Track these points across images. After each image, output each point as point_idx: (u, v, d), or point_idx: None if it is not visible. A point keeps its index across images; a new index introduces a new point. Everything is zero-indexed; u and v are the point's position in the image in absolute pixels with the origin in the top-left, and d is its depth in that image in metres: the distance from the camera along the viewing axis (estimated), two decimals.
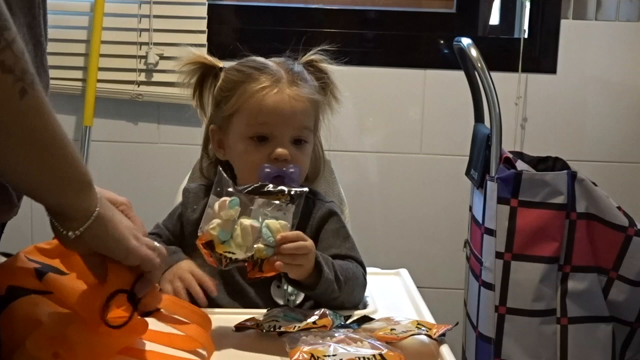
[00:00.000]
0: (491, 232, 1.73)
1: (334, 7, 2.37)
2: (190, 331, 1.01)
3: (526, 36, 2.28)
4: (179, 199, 1.40)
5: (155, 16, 2.24)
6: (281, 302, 1.24)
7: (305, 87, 1.29)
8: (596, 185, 1.71)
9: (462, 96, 2.03)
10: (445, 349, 1.05)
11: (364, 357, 0.95)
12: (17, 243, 1.01)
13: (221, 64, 1.36)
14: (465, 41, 1.80)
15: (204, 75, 1.36)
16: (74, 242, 0.85)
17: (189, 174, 1.54)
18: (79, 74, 2.27)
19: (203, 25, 2.23)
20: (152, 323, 0.99)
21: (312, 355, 0.94)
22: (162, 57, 2.24)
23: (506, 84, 2.21)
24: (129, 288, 0.91)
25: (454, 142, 2.28)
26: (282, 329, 1.05)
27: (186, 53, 1.36)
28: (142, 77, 2.26)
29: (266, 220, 1.08)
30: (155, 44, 2.24)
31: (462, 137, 2.13)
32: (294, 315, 1.10)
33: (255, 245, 1.07)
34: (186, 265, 1.25)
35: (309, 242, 1.12)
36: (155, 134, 2.31)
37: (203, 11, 2.24)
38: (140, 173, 2.32)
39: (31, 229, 2.12)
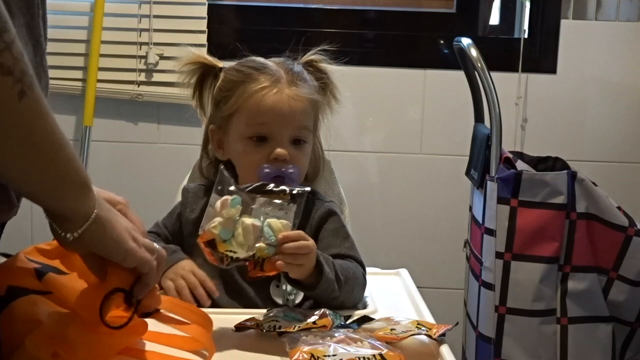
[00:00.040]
0: (491, 232, 1.73)
1: (334, 7, 2.37)
2: (191, 331, 1.01)
3: (526, 36, 2.28)
4: (179, 198, 1.41)
5: (155, 16, 2.24)
6: (280, 302, 1.25)
7: (305, 87, 1.29)
8: (596, 185, 1.71)
9: (462, 96, 2.03)
10: (445, 349, 1.05)
11: (364, 357, 0.95)
12: (17, 243, 1.01)
13: (221, 64, 1.36)
14: (465, 41, 1.80)
15: (204, 75, 1.36)
16: (72, 244, 0.85)
17: (189, 174, 1.54)
18: (79, 74, 2.27)
19: (203, 25, 2.23)
20: (153, 324, 0.99)
21: (312, 355, 0.94)
22: (162, 57, 2.23)
23: (506, 84, 2.21)
24: (128, 289, 0.91)
25: (454, 142, 2.28)
26: (282, 329, 1.05)
27: (186, 53, 1.36)
28: (142, 77, 2.26)
29: (268, 220, 1.08)
30: (155, 44, 2.24)
31: (462, 137, 2.13)
32: (294, 315, 1.11)
33: (256, 245, 1.07)
34: (188, 266, 1.25)
35: (311, 242, 1.12)
36: (155, 134, 2.31)
37: (203, 11, 2.24)
38: (140, 173, 2.32)
39: (31, 229, 2.12)
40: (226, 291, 1.27)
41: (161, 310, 0.99)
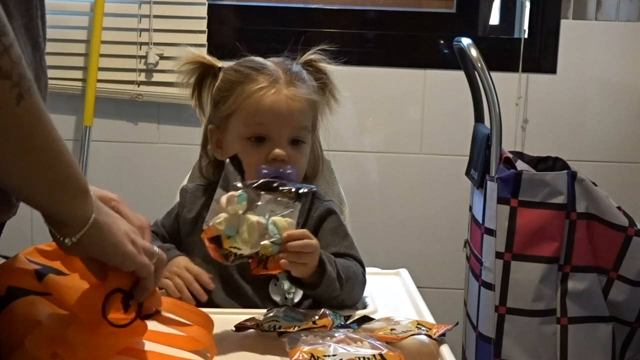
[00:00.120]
0: (491, 232, 1.73)
1: (334, 7, 2.37)
2: (193, 332, 1.01)
3: (526, 36, 2.28)
4: (178, 199, 1.41)
5: (155, 16, 2.24)
6: (279, 300, 1.25)
7: (303, 88, 1.29)
8: (596, 185, 1.71)
9: (462, 96, 2.03)
10: (445, 349, 1.05)
11: (364, 357, 0.94)
12: (17, 243, 1.01)
13: (220, 63, 1.36)
14: (465, 41, 1.80)
15: (203, 75, 1.36)
16: (71, 248, 0.85)
17: (189, 174, 1.54)
18: (79, 74, 2.27)
19: (203, 25, 2.23)
20: (153, 324, 0.99)
21: (312, 355, 0.94)
22: (162, 57, 2.23)
23: (506, 84, 2.21)
24: (128, 290, 0.91)
25: (454, 142, 2.28)
26: (282, 329, 1.05)
27: (185, 53, 1.36)
28: (142, 77, 2.26)
29: (272, 217, 1.08)
30: (155, 44, 2.24)
31: (462, 137, 2.13)
32: (294, 315, 1.10)
33: (261, 243, 1.06)
34: (182, 262, 1.25)
35: (315, 241, 1.13)
36: (155, 134, 2.31)
37: (203, 11, 2.24)
38: (140, 173, 2.32)
39: (31, 229, 2.12)
40: (225, 290, 1.27)
41: (162, 312, 0.99)
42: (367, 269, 1.30)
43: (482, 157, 1.78)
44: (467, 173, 1.94)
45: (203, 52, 1.39)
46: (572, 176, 1.69)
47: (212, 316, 1.05)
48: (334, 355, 0.94)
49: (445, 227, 2.31)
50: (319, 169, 1.41)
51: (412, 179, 2.33)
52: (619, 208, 1.70)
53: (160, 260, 0.95)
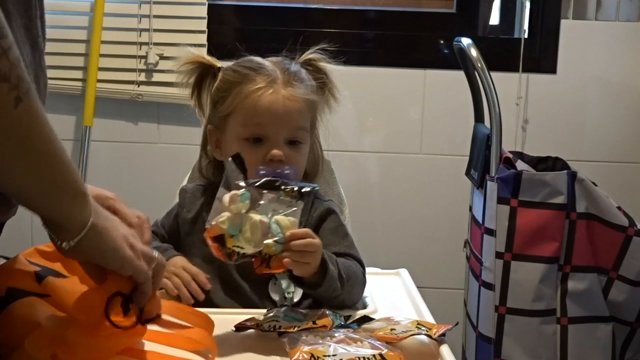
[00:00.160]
0: (491, 232, 1.73)
1: (334, 7, 2.37)
2: (193, 334, 1.01)
3: (526, 36, 2.28)
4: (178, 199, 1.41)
5: (155, 16, 2.24)
6: (278, 299, 1.25)
7: (301, 88, 1.29)
8: (596, 185, 1.71)
9: (462, 96, 2.03)
10: (445, 349, 1.05)
11: (364, 357, 0.94)
12: (17, 244, 1.01)
13: (219, 63, 1.36)
14: (465, 41, 1.80)
15: (202, 75, 1.36)
16: (69, 252, 0.85)
17: (189, 174, 1.54)
18: (79, 74, 2.27)
19: (203, 25, 2.23)
20: (154, 326, 0.99)
21: (312, 355, 0.94)
22: (162, 57, 2.23)
23: (506, 84, 2.21)
24: (127, 294, 0.91)
25: (454, 142, 2.28)
26: (282, 329, 1.05)
27: (185, 53, 1.36)
28: (142, 77, 2.26)
29: (275, 217, 1.07)
30: (155, 44, 2.24)
31: (462, 137, 2.13)
32: (294, 315, 1.10)
33: (264, 242, 1.06)
34: (179, 262, 1.26)
35: (317, 240, 1.13)
36: (155, 134, 2.31)
37: (203, 11, 2.24)
38: (140, 173, 2.32)
39: (31, 229, 2.12)
40: (224, 290, 1.27)
41: (162, 316, 0.98)
42: (367, 269, 1.30)
43: (482, 157, 1.78)
44: (467, 173, 1.94)
45: (203, 52, 1.39)
46: (572, 176, 1.69)
47: (212, 316, 1.06)
48: (334, 355, 0.94)
49: (445, 227, 2.31)
50: (319, 169, 1.41)
51: (412, 179, 2.33)
52: (619, 208, 1.70)
53: (160, 265, 0.94)
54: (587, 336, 1.72)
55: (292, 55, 1.37)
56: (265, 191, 1.09)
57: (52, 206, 0.83)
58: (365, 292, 1.30)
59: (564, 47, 2.27)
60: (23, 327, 0.89)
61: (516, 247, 1.71)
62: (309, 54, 1.37)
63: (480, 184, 1.78)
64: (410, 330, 1.06)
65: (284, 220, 1.08)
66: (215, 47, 2.07)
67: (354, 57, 2.20)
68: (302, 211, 1.10)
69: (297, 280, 1.18)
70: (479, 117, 1.96)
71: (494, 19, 2.39)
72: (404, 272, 1.45)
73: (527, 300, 1.71)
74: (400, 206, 2.34)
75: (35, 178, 0.80)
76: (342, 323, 1.09)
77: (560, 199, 1.69)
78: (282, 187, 1.10)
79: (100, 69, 2.23)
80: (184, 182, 1.52)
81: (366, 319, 1.12)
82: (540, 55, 2.28)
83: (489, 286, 1.74)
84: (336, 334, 1.02)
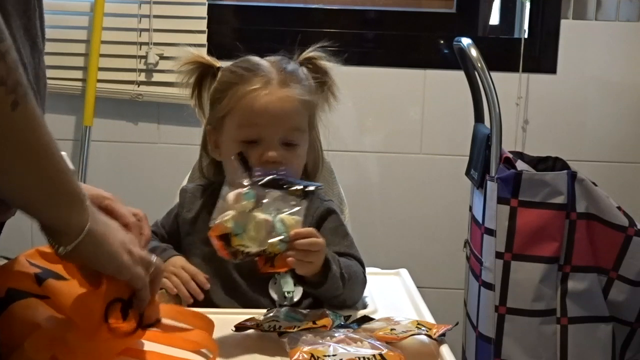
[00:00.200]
0: (491, 232, 1.73)
1: (334, 7, 2.37)
2: (194, 337, 1.01)
3: (526, 36, 2.28)
4: (178, 199, 1.41)
5: (155, 16, 2.24)
6: (278, 299, 1.25)
7: (297, 88, 1.29)
8: (596, 185, 1.71)
9: (462, 96, 2.03)
10: (445, 349, 1.05)
11: (364, 357, 0.94)
12: (16, 244, 1.01)
13: (219, 63, 1.36)
14: (465, 41, 1.80)
15: (202, 75, 1.36)
16: (66, 256, 0.84)
17: (189, 174, 1.54)
18: (79, 74, 2.27)
19: (203, 25, 2.23)
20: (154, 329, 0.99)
21: (312, 355, 0.94)
22: (162, 57, 2.23)
23: (506, 84, 2.21)
24: (126, 299, 0.90)
25: (454, 142, 2.28)
26: (282, 329, 1.05)
27: (184, 53, 1.36)
28: (142, 77, 2.26)
29: (280, 215, 1.07)
30: (155, 44, 2.24)
31: (462, 137, 2.13)
32: (294, 315, 1.10)
33: (269, 240, 1.06)
34: (178, 262, 1.26)
35: (321, 240, 1.13)
36: (155, 134, 2.31)
37: (203, 11, 2.24)
38: (140, 173, 2.32)
39: (31, 229, 2.10)
40: (224, 290, 1.27)
41: (162, 320, 0.98)
42: (367, 269, 1.30)
43: (482, 157, 1.78)
44: (467, 173, 1.94)
45: (202, 52, 1.39)
46: (572, 176, 1.69)
47: (212, 316, 1.06)
48: (334, 355, 0.94)
49: (445, 227, 2.31)
50: (319, 169, 1.41)
51: (412, 179, 2.33)
52: (619, 208, 1.70)
53: (158, 269, 0.94)
54: (587, 336, 1.72)
55: (290, 55, 1.36)
56: (269, 190, 1.08)
57: (49, 211, 0.82)
58: (365, 292, 1.30)
59: (564, 47, 2.27)
60: (23, 328, 0.89)
61: (516, 247, 1.71)
62: (309, 52, 1.36)
63: (480, 184, 1.78)
64: (410, 330, 1.06)
65: (288, 219, 1.07)
66: (215, 47, 2.07)
67: (354, 57, 2.20)
68: (306, 210, 1.10)
69: (299, 279, 1.18)
70: (479, 117, 1.96)
71: (494, 19, 2.39)
72: (404, 272, 1.45)
73: (527, 300, 1.71)
74: (400, 206, 2.34)
75: (31, 182, 0.79)
76: (342, 323, 1.09)
77: (560, 199, 1.69)
78: (287, 185, 1.09)
79: (100, 69, 2.23)
80: (184, 182, 1.52)
81: (366, 319, 1.12)
82: (540, 55, 2.28)
83: (489, 286, 1.74)
84: (336, 334, 1.02)
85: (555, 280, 1.71)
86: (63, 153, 0.99)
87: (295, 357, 0.95)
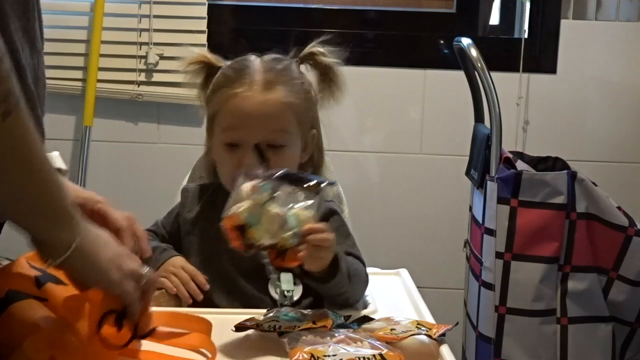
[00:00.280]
0: (491, 232, 1.73)
1: (334, 7, 2.37)
2: (191, 340, 1.01)
3: (526, 36, 2.28)
4: (179, 199, 1.41)
5: (155, 16, 2.24)
6: (277, 298, 1.25)
7: (281, 91, 1.27)
8: (596, 185, 1.71)
9: (462, 96, 2.03)
10: (445, 349, 1.05)
11: (364, 357, 0.94)
12: (16, 244, 1.01)
13: (223, 63, 1.36)
14: (465, 41, 1.80)
15: (208, 74, 1.36)
16: (55, 269, 0.84)
17: (189, 174, 1.54)
18: (79, 74, 2.26)
19: (203, 25, 2.23)
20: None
21: (312, 355, 0.94)
22: (162, 57, 2.23)
23: (507, 84, 2.21)
24: (119, 308, 0.90)
25: (454, 142, 2.28)
26: (282, 329, 1.05)
27: (189, 53, 1.36)
28: (142, 77, 2.26)
29: (293, 210, 1.07)
30: (155, 44, 2.24)
31: (462, 137, 2.13)
32: (294, 315, 1.10)
33: (283, 235, 1.05)
34: (178, 262, 1.26)
35: (333, 236, 1.13)
36: (155, 134, 2.31)
37: (203, 11, 2.24)
38: (140, 173, 2.32)
39: None
40: (224, 289, 1.27)
41: (157, 328, 0.98)
42: (367, 269, 1.30)
43: (482, 157, 1.78)
44: (467, 173, 1.94)
45: (206, 52, 1.38)
46: (572, 176, 1.69)
47: (212, 316, 1.05)
48: (334, 355, 0.94)
49: (445, 227, 2.31)
50: (322, 165, 1.40)
51: (412, 179, 2.33)
52: (619, 208, 1.70)
53: (150, 281, 0.94)
54: (587, 336, 1.72)
55: (284, 54, 1.36)
56: (283, 184, 1.08)
57: (37, 225, 0.81)
58: (366, 292, 1.30)
59: (564, 47, 2.27)
60: (22, 328, 0.89)
61: (516, 247, 1.71)
62: (310, 48, 1.36)
63: (480, 184, 1.78)
64: (410, 330, 1.06)
65: (302, 213, 1.07)
66: (215, 47, 2.06)
67: (354, 57, 2.19)
68: (318, 205, 1.09)
69: (307, 275, 1.18)
70: (479, 117, 1.96)
71: (494, 19, 2.39)
72: (404, 272, 1.45)
73: (527, 300, 1.71)
74: (400, 206, 2.34)
75: (20, 195, 0.78)
76: (342, 323, 1.09)
77: (560, 199, 1.69)
78: (300, 180, 1.09)
79: (100, 69, 2.23)
80: (184, 182, 1.51)
81: (366, 319, 1.12)
82: (541, 55, 2.28)
83: (489, 286, 1.74)
84: (336, 334, 1.02)
85: (555, 280, 1.71)
86: (56, 153, 0.98)
87: (295, 357, 0.95)
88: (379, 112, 2.31)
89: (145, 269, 0.93)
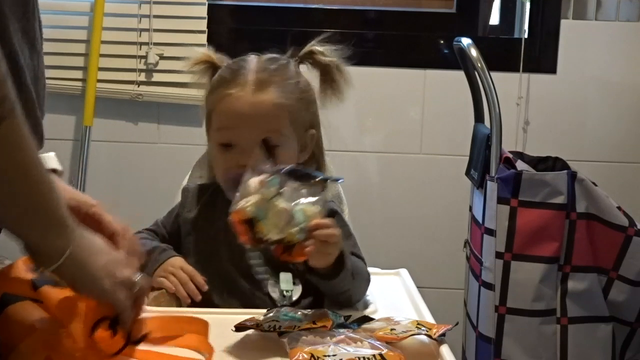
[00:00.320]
0: (491, 232, 1.73)
1: (334, 7, 2.37)
2: (187, 342, 1.00)
3: (526, 36, 2.28)
4: (179, 199, 1.41)
5: (155, 16, 2.24)
6: (277, 297, 1.25)
7: (273, 91, 1.26)
8: (596, 185, 1.71)
9: (462, 96, 2.03)
10: (445, 349, 1.05)
11: (364, 357, 0.94)
12: (15, 244, 1.01)
13: (225, 62, 1.36)
14: (465, 41, 1.80)
15: (213, 75, 1.36)
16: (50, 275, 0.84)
17: (189, 174, 1.54)
18: (79, 74, 2.26)
19: (203, 25, 2.23)
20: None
21: (312, 355, 0.94)
22: (162, 57, 2.23)
23: (507, 84, 2.21)
24: (112, 315, 0.90)
25: (454, 142, 2.28)
26: (282, 329, 1.05)
27: (194, 53, 1.36)
28: (142, 77, 2.26)
29: (300, 205, 1.07)
30: (155, 44, 2.24)
31: (462, 137, 2.13)
32: (294, 315, 1.10)
33: (290, 230, 1.06)
34: (177, 263, 1.26)
35: (339, 232, 1.13)
36: (155, 134, 2.31)
37: (203, 11, 2.23)
38: (140, 173, 2.32)
39: None
40: (223, 289, 1.27)
41: (150, 334, 0.98)
42: (367, 269, 1.31)
43: (482, 157, 1.78)
44: (467, 173, 1.94)
45: (211, 52, 1.38)
46: (572, 176, 1.69)
47: (211, 316, 1.05)
48: (334, 355, 0.94)
49: (445, 227, 2.31)
50: (322, 165, 1.40)
51: (412, 179, 2.33)
52: (619, 208, 1.70)
53: (142, 289, 0.94)
54: (587, 336, 1.72)
55: (282, 55, 1.36)
56: (290, 179, 1.08)
57: (29, 232, 0.81)
58: (366, 292, 1.30)
59: (564, 47, 2.27)
60: (19, 330, 0.89)
61: (516, 247, 1.71)
62: (309, 47, 1.36)
63: (480, 184, 1.78)
64: (410, 330, 1.06)
65: (309, 209, 1.08)
66: (215, 47, 2.05)
67: (354, 57, 2.19)
68: (324, 201, 1.10)
69: (311, 272, 1.18)
70: (479, 117, 1.96)
71: (494, 19, 2.39)
72: (404, 272, 1.45)
73: (527, 300, 1.71)
74: (400, 206, 2.34)
75: (12, 201, 0.77)
76: (342, 323, 1.09)
77: (560, 199, 1.69)
78: (307, 176, 1.09)
79: (100, 69, 2.23)
80: (184, 182, 1.51)
81: (366, 319, 1.12)
82: (541, 55, 2.28)
83: (489, 286, 1.74)
84: (336, 334, 1.02)
85: (555, 280, 1.71)
86: (51, 154, 0.98)
87: (295, 357, 0.95)
88: (379, 112, 2.31)
89: (138, 276, 0.93)
